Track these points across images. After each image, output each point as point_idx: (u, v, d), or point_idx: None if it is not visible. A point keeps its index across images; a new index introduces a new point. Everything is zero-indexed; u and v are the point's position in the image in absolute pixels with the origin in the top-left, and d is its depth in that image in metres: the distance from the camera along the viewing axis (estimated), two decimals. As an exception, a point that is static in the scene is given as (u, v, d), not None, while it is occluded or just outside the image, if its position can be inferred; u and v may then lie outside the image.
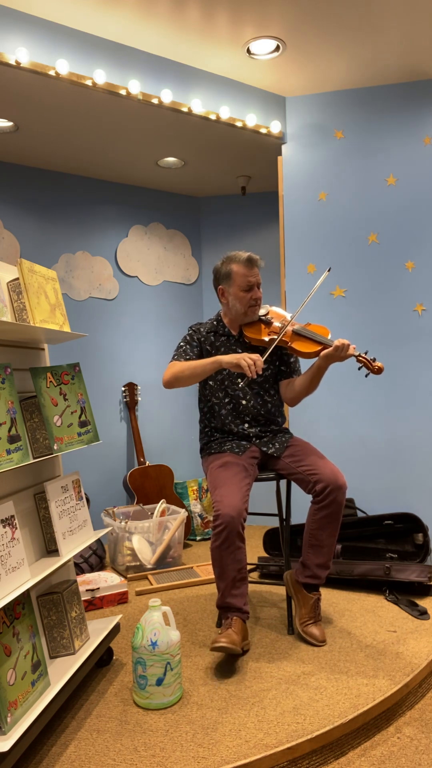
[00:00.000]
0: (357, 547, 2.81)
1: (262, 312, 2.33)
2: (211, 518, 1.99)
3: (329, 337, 2.22)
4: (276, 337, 2.21)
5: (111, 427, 3.86)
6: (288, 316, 2.34)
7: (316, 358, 2.15)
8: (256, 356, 2.01)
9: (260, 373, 2.03)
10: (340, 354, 2.08)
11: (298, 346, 2.19)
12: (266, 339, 2.22)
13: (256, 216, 4.15)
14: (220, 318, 2.35)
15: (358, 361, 2.15)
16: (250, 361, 2.00)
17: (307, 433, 3.24)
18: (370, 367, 2.13)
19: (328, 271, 2.25)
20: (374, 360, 2.13)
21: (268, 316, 2.31)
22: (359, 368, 2.17)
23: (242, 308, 2.24)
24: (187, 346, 2.29)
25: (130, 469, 3.91)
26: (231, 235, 4.20)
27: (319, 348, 2.16)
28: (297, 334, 2.23)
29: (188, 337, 2.32)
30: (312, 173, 3.21)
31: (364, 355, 2.14)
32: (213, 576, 2.84)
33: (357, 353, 2.12)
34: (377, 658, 1.98)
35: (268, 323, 2.29)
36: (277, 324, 2.27)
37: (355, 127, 3.15)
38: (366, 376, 2.15)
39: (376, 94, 3.13)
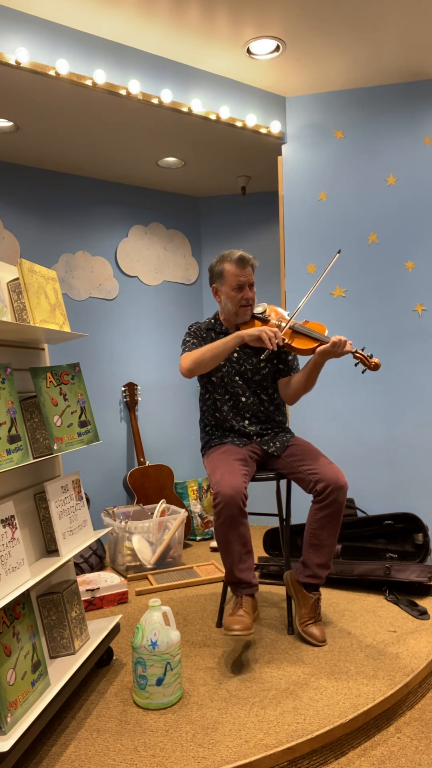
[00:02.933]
0: (357, 547, 2.81)
1: (259, 309, 2.34)
2: (212, 498, 1.99)
3: (326, 333, 2.22)
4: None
5: (111, 427, 3.85)
6: (286, 314, 2.34)
7: (313, 355, 2.16)
8: (275, 329, 2.07)
9: (281, 344, 2.10)
10: (337, 350, 2.09)
11: (296, 343, 2.20)
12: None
13: (256, 216, 4.15)
14: (217, 317, 2.36)
15: (355, 357, 2.16)
16: (270, 334, 2.06)
17: (307, 432, 3.24)
18: (367, 363, 2.13)
19: (339, 253, 2.25)
20: (371, 356, 2.14)
21: (266, 314, 2.31)
22: (356, 364, 2.18)
23: (233, 308, 2.25)
24: (195, 340, 2.30)
25: (130, 469, 3.90)
26: (231, 235, 4.20)
27: (316, 345, 2.17)
28: (294, 332, 2.24)
29: (192, 333, 2.34)
30: (312, 173, 3.21)
31: (360, 352, 2.15)
32: (213, 576, 2.84)
33: (354, 349, 2.13)
34: (377, 658, 1.98)
35: (265, 321, 2.29)
36: (274, 322, 2.27)
37: (355, 127, 3.15)
38: (363, 372, 2.17)
39: (376, 94, 3.13)
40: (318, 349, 2.12)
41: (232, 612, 1.99)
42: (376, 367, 2.13)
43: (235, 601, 2.03)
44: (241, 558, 2.01)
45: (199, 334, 2.32)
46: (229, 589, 2.23)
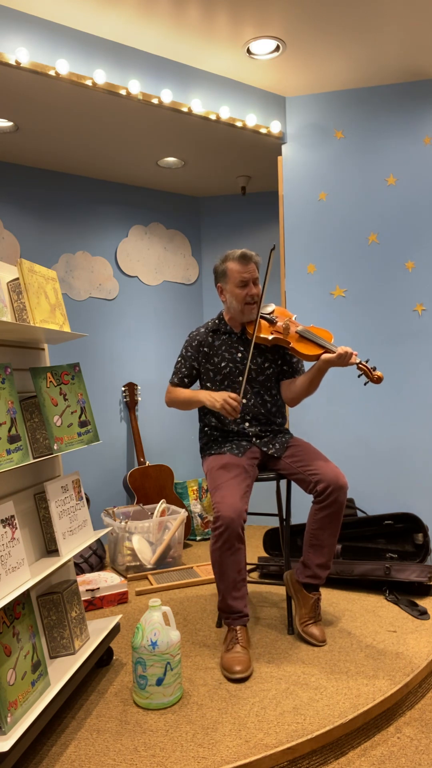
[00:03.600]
0: (357, 547, 2.81)
1: (268, 310, 2.33)
2: (211, 519, 1.99)
3: (332, 342, 2.22)
4: (280, 336, 2.21)
5: (111, 427, 3.86)
6: (294, 316, 2.34)
7: (317, 361, 2.15)
8: (231, 399, 2.09)
9: (237, 416, 2.14)
10: (342, 361, 2.08)
11: (300, 347, 2.19)
12: (270, 338, 2.22)
13: (256, 216, 4.15)
14: (222, 316, 2.35)
15: (359, 368, 2.14)
16: (228, 408, 2.09)
17: (307, 433, 3.24)
18: (370, 376, 2.12)
19: (273, 249, 2.24)
20: (375, 369, 2.13)
21: (273, 315, 2.31)
22: (359, 376, 2.18)
23: (239, 305, 2.24)
24: (182, 361, 2.37)
25: (130, 469, 3.91)
26: (231, 235, 4.20)
27: (321, 352, 2.16)
28: (300, 336, 2.23)
29: (183, 351, 2.37)
30: (312, 173, 3.21)
31: (365, 364, 2.14)
32: (213, 576, 2.84)
33: (359, 361, 2.12)
34: (377, 658, 1.98)
35: (272, 322, 2.28)
36: (281, 323, 2.27)
37: (355, 127, 3.15)
38: (365, 384, 2.15)
39: (376, 94, 3.13)
40: (323, 356, 2.11)
41: (228, 648, 1.97)
42: (378, 380, 2.12)
43: (230, 634, 2.01)
44: (236, 585, 2.00)
45: (191, 347, 2.34)
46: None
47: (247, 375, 2.16)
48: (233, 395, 2.09)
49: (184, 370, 2.35)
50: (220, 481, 2.08)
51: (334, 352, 2.11)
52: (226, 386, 2.29)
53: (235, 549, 1.97)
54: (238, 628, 2.01)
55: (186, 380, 2.35)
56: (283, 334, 2.21)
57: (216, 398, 2.11)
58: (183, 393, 2.30)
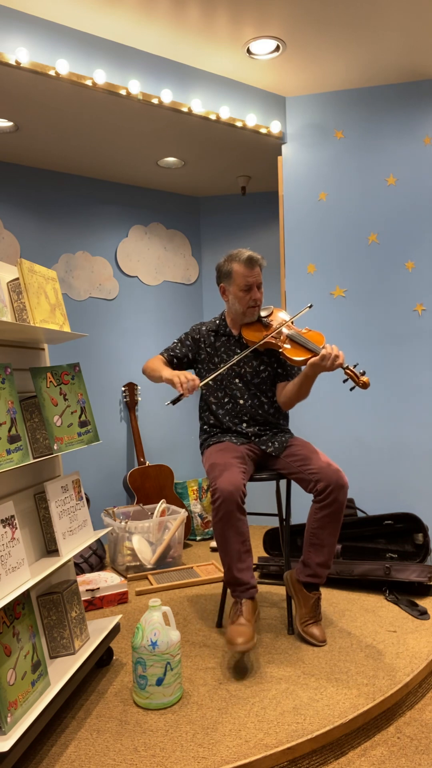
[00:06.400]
0: (357, 547, 2.81)
1: (265, 313, 2.32)
2: (211, 503, 1.99)
3: (323, 345, 2.18)
4: (271, 341, 2.20)
5: (111, 427, 3.85)
6: (290, 319, 2.33)
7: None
8: (192, 376, 2.05)
9: (191, 393, 2.06)
10: (326, 363, 2.03)
11: (290, 352, 2.17)
12: (260, 342, 2.22)
13: (256, 216, 4.15)
14: (223, 317, 2.35)
15: (345, 373, 2.10)
16: (184, 379, 2.04)
17: (307, 432, 3.24)
18: (357, 381, 2.08)
19: (310, 307, 2.27)
20: (363, 374, 2.09)
21: (269, 319, 2.30)
22: (345, 380, 2.13)
23: (241, 308, 2.24)
24: (178, 344, 2.36)
25: (130, 469, 3.90)
26: (231, 235, 4.20)
27: (309, 356, 2.13)
28: (290, 340, 2.22)
29: (183, 336, 2.37)
30: (312, 173, 3.21)
31: (352, 368, 2.10)
32: (213, 576, 2.84)
33: (345, 365, 2.08)
34: (377, 658, 1.98)
35: (268, 326, 2.28)
36: (274, 327, 2.26)
37: (355, 127, 3.15)
38: (351, 389, 2.10)
39: (376, 94, 3.13)
40: (309, 361, 2.08)
41: (233, 620, 1.98)
42: (365, 386, 2.07)
43: (235, 606, 2.02)
44: (240, 557, 2.00)
45: (192, 338, 2.34)
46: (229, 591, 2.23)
47: (225, 369, 2.15)
48: (192, 376, 2.07)
49: (177, 351, 2.34)
50: (218, 461, 2.08)
51: None
52: (223, 387, 2.30)
53: (236, 519, 1.96)
54: (243, 600, 2.01)
55: (175, 361, 2.34)
56: (274, 339, 2.20)
57: (175, 372, 2.11)
58: (157, 364, 2.27)
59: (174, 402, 2.07)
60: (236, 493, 1.94)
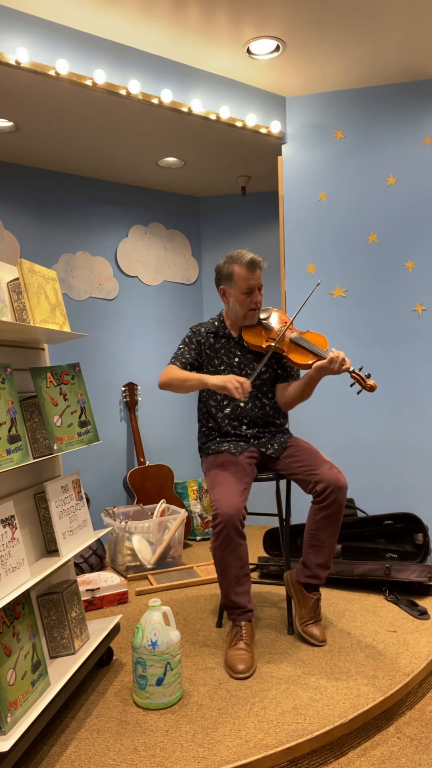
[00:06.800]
0: (357, 547, 2.81)
1: (263, 315, 2.32)
2: (211, 518, 1.99)
3: (327, 347, 2.18)
4: (273, 344, 2.19)
5: (111, 427, 3.86)
6: (291, 321, 2.32)
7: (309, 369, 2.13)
8: (243, 379, 2.01)
9: (246, 396, 2.03)
10: (333, 367, 2.03)
11: (293, 356, 2.17)
12: (263, 346, 2.21)
13: (256, 216, 4.15)
14: (222, 318, 2.34)
15: (352, 376, 2.11)
16: (237, 384, 2.00)
17: (306, 433, 3.24)
18: (363, 384, 2.09)
19: (317, 285, 2.26)
20: (368, 376, 2.09)
21: (268, 321, 2.30)
22: (351, 384, 2.13)
23: (242, 311, 2.24)
24: (186, 348, 2.29)
25: (130, 469, 3.91)
26: (231, 235, 4.20)
27: (314, 360, 2.13)
28: (294, 344, 2.21)
29: (187, 339, 2.32)
30: (312, 173, 3.21)
31: (357, 372, 2.10)
32: (213, 576, 2.84)
33: (351, 369, 2.08)
34: (377, 658, 1.98)
35: (268, 328, 2.27)
36: (276, 329, 2.26)
37: (355, 127, 3.15)
38: (358, 393, 2.10)
39: (376, 94, 3.13)
40: (315, 364, 2.07)
41: (232, 643, 1.98)
42: (371, 389, 2.07)
43: (234, 629, 2.02)
44: (239, 581, 2.01)
45: (195, 340, 2.30)
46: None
47: (257, 373, 2.14)
48: (240, 377, 2.03)
49: (189, 357, 2.27)
50: (218, 479, 2.08)
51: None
52: None
53: (236, 545, 1.97)
54: (242, 624, 2.01)
55: (189, 367, 2.27)
56: (277, 342, 2.19)
57: (224, 378, 2.04)
58: (185, 374, 2.18)
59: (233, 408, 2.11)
60: (236, 516, 1.94)
